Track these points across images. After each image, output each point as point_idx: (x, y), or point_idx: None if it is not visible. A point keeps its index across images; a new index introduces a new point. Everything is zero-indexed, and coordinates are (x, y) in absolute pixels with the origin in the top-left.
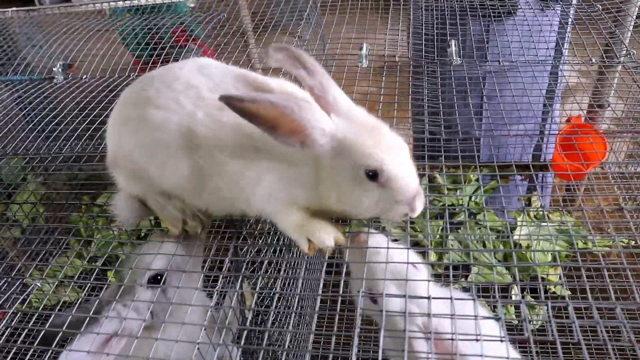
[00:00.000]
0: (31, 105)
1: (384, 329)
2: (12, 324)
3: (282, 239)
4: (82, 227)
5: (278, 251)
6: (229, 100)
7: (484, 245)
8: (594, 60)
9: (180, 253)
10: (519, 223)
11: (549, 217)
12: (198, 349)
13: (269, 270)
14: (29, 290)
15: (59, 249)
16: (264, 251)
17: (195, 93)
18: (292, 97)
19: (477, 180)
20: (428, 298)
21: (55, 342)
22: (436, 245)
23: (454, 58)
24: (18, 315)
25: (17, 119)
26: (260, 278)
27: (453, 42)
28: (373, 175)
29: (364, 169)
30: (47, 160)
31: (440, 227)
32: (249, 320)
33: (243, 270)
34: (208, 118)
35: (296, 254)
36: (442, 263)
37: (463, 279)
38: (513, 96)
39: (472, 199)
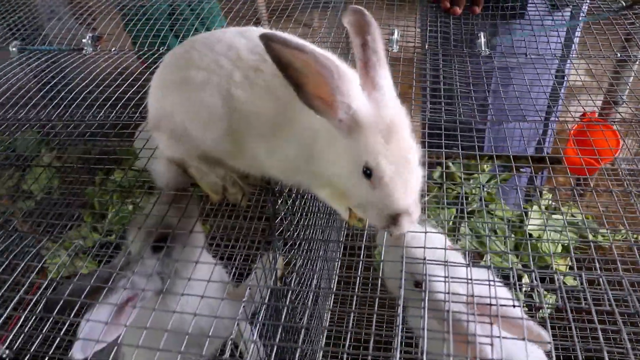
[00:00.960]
0: (60, 75)
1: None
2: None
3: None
4: (96, 201)
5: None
6: (269, 41)
7: (496, 234)
8: (608, 55)
9: (172, 214)
10: (530, 213)
11: (559, 209)
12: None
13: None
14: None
15: (73, 222)
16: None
17: (235, 53)
18: (335, 61)
19: (489, 171)
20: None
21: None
22: (449, 231)
23: (483, 49)
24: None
25: (47, 88)
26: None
27: (482, 33)
28: (368, 173)
29: (363, 164)
30: (70, 127)
31: (453, 215)
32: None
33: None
34: (245, 80)
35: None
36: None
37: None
38: (530, 90)
39: (485, 189)
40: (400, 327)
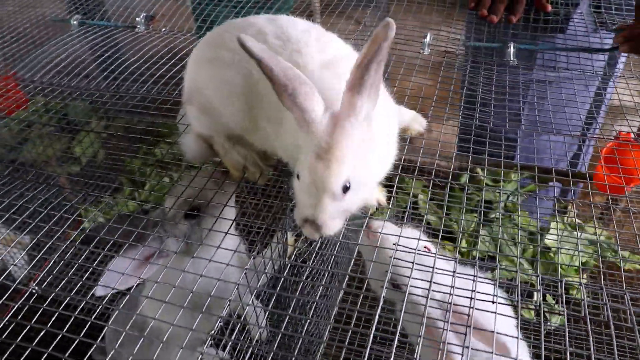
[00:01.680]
0: (113, 50)
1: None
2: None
3: None
4: (137, 171)
5: None
6: (242, 46)
7: (515, 244)
8: None
9: (211, 187)
10: (551, 227)
11: (582, 227)
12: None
13: None
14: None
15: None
16: None
17: (263, 38)
18: (298, 78)
19: (516, 181)
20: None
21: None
22: (469, 236)
23: (512, 59)
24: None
25: (99, 60)
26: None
27: (512, 44)
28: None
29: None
30: (115, 98)
31: (474, 222)
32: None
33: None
34: None
35: None
36: (471, 248)
37: (489, 271)
38: (566, 106)
39: (509, 198)
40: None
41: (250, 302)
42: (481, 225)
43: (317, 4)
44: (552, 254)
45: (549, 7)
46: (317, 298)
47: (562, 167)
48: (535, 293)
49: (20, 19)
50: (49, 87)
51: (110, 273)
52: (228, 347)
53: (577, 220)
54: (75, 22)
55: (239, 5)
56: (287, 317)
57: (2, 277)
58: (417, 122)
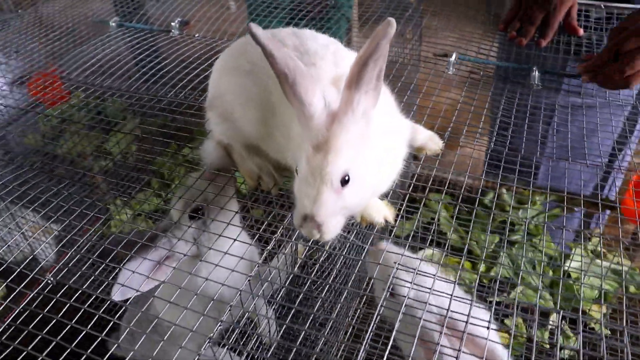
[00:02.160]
0: (146, 52)
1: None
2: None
3: None
4: (165, 171)
5: None
6: (251, 33)
7: (534, 268)
8: None
9: (211, 190)
10: (573, 254)
11: (605, 256)
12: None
13: None
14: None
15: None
16: None
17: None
18: (300, 70)
19: (541, 204)
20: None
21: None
22: (487, 257)
23: (536, 83)
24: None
25: (132, 62)
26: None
27: (535, 67)
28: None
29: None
30: (144, 100)
31: (495, 242)
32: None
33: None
34: None
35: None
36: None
37: (505, 294)
38: (592, 133)
39: (533, 221)
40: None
41: (256, 307)
42: (504, 247)
43: (355, 18)
44: (571, 281)
45: (581, 31)
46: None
47: (587, 193)
48: (550, 320)
49: (65, 19)
50: (85, 85)
51: (125, 278)
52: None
53: (601, 249)
54: (113, 24)
55: (289, 16)
56: (303, 330)
57: (22, 266)
58: (433, 142)
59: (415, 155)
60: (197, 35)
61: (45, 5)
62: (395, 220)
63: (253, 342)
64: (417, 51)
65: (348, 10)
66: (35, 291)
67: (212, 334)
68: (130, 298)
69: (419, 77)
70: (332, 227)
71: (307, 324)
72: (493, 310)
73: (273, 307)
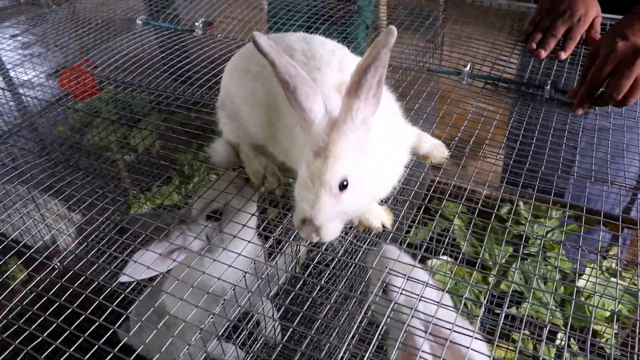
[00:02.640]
0: (168, 50)
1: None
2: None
3: None
4: (186, 168)
5: None
6: (254, 42)
7: (545, 283)
8: None
9: (236, 195)
10: (587, 272)
11: (621, 275)
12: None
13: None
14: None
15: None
16: None
17: (290, 54)
18: (301, 77)
19: (557, 219)
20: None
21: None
22: (499, 270)
23: (547, 97)
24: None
25: (155, 59)
26: None
27: (549, 82)
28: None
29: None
30: (169, 98)
31: (508, 254)
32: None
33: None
34: None
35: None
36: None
37: (514, 307)
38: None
39: (549, 235)
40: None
41: (261, 307)
42: (517, 260)
43: (384, 23)
44: (583, 298)
45: None
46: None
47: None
48: (558, 336)
49: (95, 15)
50: (107, 80)
51: (135, 264)
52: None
53: (618, 268)
54: (139, 22)
55: (310, 20)
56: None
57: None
58: (438, 150)
59: (435, 165)
60: (219, 35)
61: (78, 1)
62: (393, 226)
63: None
64: (438, 59)
65: (369, 17)
66: (43, 274)
67: (219, 331)
68: (139, 286)
69: (440, 87)
70: (330, 231)
71: (313, 329)
72: (501, 323)
73: (278, 307)
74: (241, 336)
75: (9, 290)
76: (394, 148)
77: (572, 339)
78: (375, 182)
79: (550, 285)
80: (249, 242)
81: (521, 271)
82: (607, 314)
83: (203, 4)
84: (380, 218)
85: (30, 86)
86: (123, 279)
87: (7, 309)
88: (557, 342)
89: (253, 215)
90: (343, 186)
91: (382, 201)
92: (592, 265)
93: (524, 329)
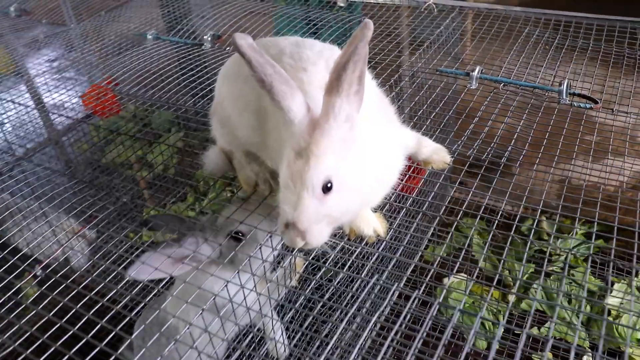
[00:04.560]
0: (176, 63)
1: None
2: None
3: None
4: (201, 184)
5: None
6: (233, 43)
7: (570, 301)
8: None
9: (262, 226)
10: (615, 289)
11: None
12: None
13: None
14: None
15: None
16: None
17: (279, 57)
18: (278, 76)
19: (583, 234)
20: None
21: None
22: (519, 288)
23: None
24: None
25: (169, 73)
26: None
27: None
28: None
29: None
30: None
31: (530, 271)
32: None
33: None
34: None
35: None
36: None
37: (536, 327)
38: None
39: (573, 251)
40: None
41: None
42: (540, 278)
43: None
44: (611, 317)
45: None
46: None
47: None
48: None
49: (108, 32)
50: (126, 96)
51: (146, 257)
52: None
53: None
54: (150, 37)
55: (311, 29)
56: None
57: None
58: (438, 155)
59: (462, 181)
60: (228, 48)
61: (96, 18)
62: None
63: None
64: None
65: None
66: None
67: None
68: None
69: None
70: (316, 235)
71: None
72: (522, 343)
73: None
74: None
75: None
76: (386, 149)
77: None
78: (363, 183)
79: (575, 303)
80: (264, 260)
81: (543, 289)
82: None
83: (215, 18)
84: (373, 225)
85: (55, 105)
86: (130, 274)
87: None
88: None
89: (270, 233)
90: (327, 188)
91: (375, 209)
92: (622, 282)
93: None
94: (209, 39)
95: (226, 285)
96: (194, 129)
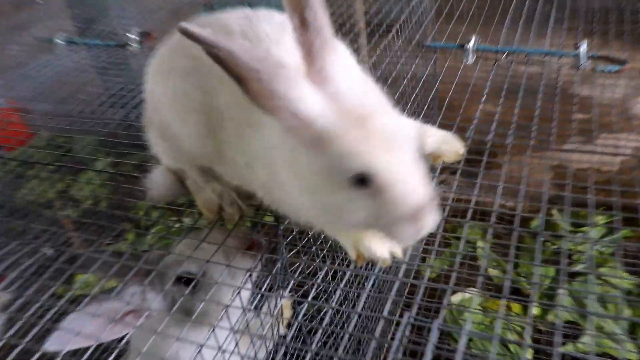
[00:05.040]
0: (101, 71)
1: None
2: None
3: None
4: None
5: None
6: (187, 35)
7: (606, 308)
8: None
9: (218, 260)
10: None
11: None
12: None
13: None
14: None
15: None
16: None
17: (229, 39)
18: (267, 59)
19: (603, 226)
20: None
21: None
22: (542, 296)
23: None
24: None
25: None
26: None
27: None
28: (361, 180)
29: (348, 173)
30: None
31: (552, 276)
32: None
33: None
34: None
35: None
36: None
37: (571, 343)
38: None
39: (597, 247)
40: None
41: None
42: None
43: (362, 25)
44: None
45: None
46: None
47: None
48: None
49: (8, 40)
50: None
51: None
52: None
53: None
54: (60, 41)
55: None
56: None
57: None
58: (448, 145)
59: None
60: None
61: None
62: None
63: None
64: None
65: None
66: None
67: None
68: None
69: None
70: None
71: None
72: None
73: None
74: None
75: None
76: None
77: None
78: None
79: (612, 308)
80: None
81: (570, 293)
82: None
83: (137, 15)
84: (387, 245)
85: None
86: (48, 347)
87: None
88: None
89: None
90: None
91: None
92: None
93: None
94: (137, 37)
95: (199, 351)
96: (129, 147)
